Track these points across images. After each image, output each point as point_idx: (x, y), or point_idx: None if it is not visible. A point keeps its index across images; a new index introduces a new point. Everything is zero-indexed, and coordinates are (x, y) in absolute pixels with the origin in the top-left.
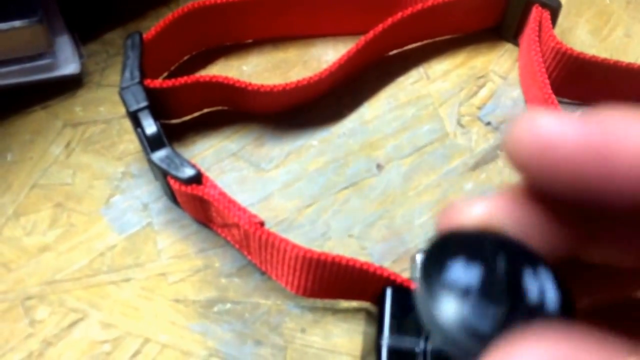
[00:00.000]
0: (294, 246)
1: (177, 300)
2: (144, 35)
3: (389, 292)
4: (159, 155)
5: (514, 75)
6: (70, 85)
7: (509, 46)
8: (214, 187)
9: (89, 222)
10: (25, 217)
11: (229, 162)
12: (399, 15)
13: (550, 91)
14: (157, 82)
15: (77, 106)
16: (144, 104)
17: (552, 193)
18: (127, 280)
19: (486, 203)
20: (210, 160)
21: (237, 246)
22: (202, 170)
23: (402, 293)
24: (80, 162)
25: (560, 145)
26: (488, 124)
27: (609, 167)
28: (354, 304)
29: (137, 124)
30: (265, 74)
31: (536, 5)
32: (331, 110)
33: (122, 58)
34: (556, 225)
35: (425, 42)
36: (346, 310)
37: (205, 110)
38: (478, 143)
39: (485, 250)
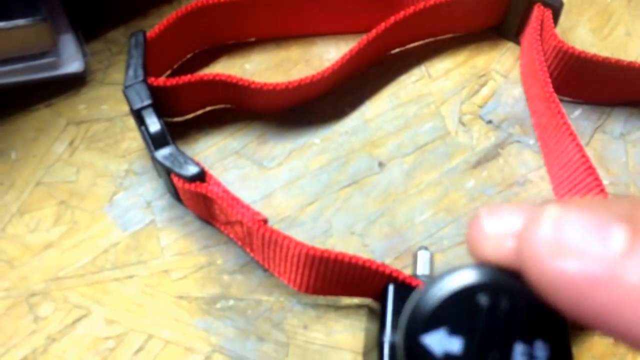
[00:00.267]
0: (297, 243)
1: (180, 297)
2: (148, 34)
3: (391, 289)
4: (162, 153)
5: (516, 73)
6: (73, 84)
7: (510, 45)
8: (218, 184)
9: (92, 220)
10: (29, 215)
11: (231, 160)
12: (401, 14)
13: (551, 90)
14: (161, 81)
15: (80, 104)
16: (147, 102)
17: None
18: (131, 277)
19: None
20: (213, 158)
21: (240, 243)
22: (206, 168)
23: (404, 290)
24: (84, 160)
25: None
26: (489, 122)
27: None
28: (356, 300)
29: (141, 122)
30: (267, 73)
31: (538, 4)
32: (333, 108)
33: (125, 56)
34: None
35: (427, 40)
36: (348, 307)
37: (208, 109)
38: (479, 141)
39: (488, 303)
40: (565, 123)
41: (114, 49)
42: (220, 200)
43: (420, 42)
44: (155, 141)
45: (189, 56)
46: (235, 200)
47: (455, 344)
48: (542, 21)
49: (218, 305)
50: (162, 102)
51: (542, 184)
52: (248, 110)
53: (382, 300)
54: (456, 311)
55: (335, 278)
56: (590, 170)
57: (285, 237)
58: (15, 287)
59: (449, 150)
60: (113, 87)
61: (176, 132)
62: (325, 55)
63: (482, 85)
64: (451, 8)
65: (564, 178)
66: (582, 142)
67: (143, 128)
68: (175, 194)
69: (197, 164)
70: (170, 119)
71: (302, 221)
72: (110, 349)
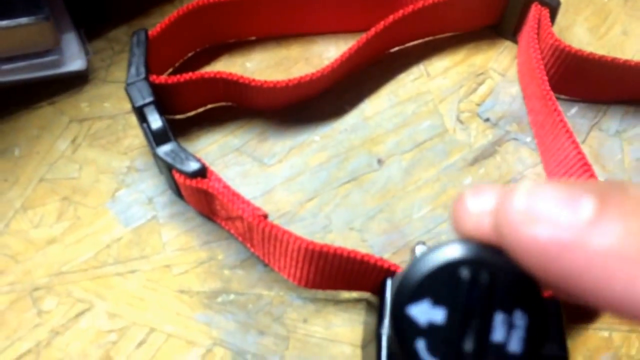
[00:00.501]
0: (297, 238)
1: (181, 291)
2: (149, 32)
3: (389, 283)
4: (164, 149)
5: (513, 72)
6: (76, 82)
7: (508, 44)
8: (219, 180)
9: (95, 215)
10: (32, 211)
11: (232, 157)
12: (400, 12)
13: (548, 88)
14: (162, 78)
15: (83, 102)
16: (149, 99)
17: None
18: (133, 271)
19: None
20: (214, 155)
21: (240, 239)
22: (207, 164)
23: None
24: (86, 157)
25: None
26: (487, 120)
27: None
28: (355, 294)
29: (142, 119)
30: (268, 71)
31: (535, 3)
32: (333, 106)
33: (127, 55)
34: None
35: (425, 39)
36: (347, 301)
37: (210, 106)
38: (477, 139)
39: (470, 276)
40: (561, 121)
41: (116, 48)
42: (221, 195)
43: (419, 41)
44: (157, 138)
45: (190, 54)
46: (235, 195)
47: (438, 314)
48: (539, 20)
49: (219, 300)
50: (163, 100)
51: (538, 181)
52: (249, 108)
53: (380, 293)
54: (440, 284)
55: (334, 272)
56: (586, 167)
57: (285, 232)
58: (19, 282)
59: (447, 148)
60: (115, 85)
61: (178, 129)
62: (325, 53)
63: (480, 84)
64: (449, 7)
65: (560, 175)
66: (579, 140)
67: (145, 125)
68: (177, 191)
69: (198, 160)
70: (172, 117)
71: (302, 217)
72: (113, 342)
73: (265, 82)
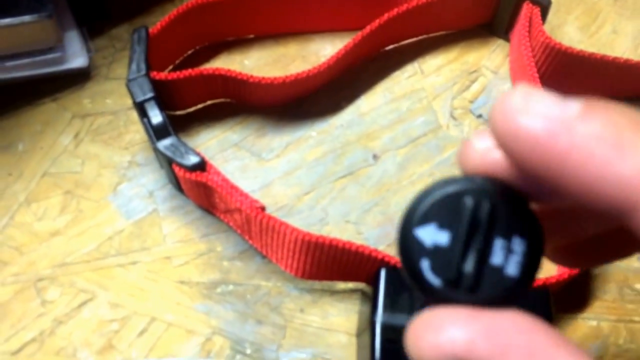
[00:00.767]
0: (293, 229)
1: (181, 282)
2: (150, 30)
3: (383, 273)
4: (164, 143)
5: (505, 70)
6: (78, 78)
7: (500, 42)
8: (217, 174)
9: (97, 209)
10: (36, 204)
11: (231, 152)
12: (395, 11)
13: (539, 84)
14: (163, 75)
15: (85, 98)
16: (150, 95)
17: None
18: (134, 263)
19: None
20: (214, 150)
21: (238, 231)
22: (206, 158)
23: (396, 273)
24: (89, 152)
25: (523, 136)
26: (479, 116)
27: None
28: (350, 285)
29: (143, 114)
30: (266, 68)
31: (527, 2)
32: (329, 102)
33: (128, 52)
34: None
35: (420, 38)
36: (343, 291)
37: (209, 103)
38: (470, 135)
39: (473, 205)
40: None
41: (117, 46)
42: (220, 188)
43: (413, 40)
44: (157, 132)
45: (190, 52)
46: (234, 188)
47: (443, 237)
48: (530, 18)
49: (218, 290)
50: (164, 96)
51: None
52: (247, 105)
53: (375, 283)
54: (445, 210)
55: (330, 263)
56: None
57: (282, 224)
58: (24, 273)
59: (441, 143)
60: (117, 82)
61: (178, 125)
62: (321, 51)
63: (473, 81)
64: (443, 6)
65: None
66: None
67: (145, 120)
68: (177, 184)
69: (197, 154)
70: (172, 113)
71: (299, 210)
72: (115, 331)
73: (263, 78)
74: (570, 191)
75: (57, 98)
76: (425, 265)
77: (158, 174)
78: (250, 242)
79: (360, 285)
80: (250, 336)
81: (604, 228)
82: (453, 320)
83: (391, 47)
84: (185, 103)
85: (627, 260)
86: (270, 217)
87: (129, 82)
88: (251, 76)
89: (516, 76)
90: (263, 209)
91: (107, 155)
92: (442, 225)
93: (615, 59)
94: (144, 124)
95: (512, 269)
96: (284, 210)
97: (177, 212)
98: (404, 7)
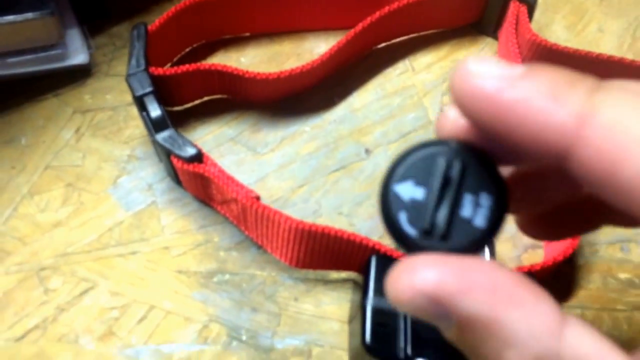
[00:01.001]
0: (287, 218)
1: (179, 272)
2: (149, 27)
3: (373, 260)
4: (163, 135)
5: None
6: (79, 75)
7: (489, 40)
8: (214, 165)
9: (98, 201)
10: (39, 196)
11: (227, 147)
12: (386, 10)
13: None
14: (161, 70)
15: (86, 94)
16: (149, 89)
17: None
18: (134, 253)
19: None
20: (210, 145)
21: (235, 222)
22: (203, 150)
23: (386, 260)
24: (90, 146)
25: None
26: None
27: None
28: (343, 274)
29: (142, 107)
30: (261, 66)
31: (514, 1)
32: (323, 98)
33: (128, 49)
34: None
35: (411, 36)
36: (335, 281)
37: (206, 99)
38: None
39: (445, 165)
40: None
41: (117, 43)
42: (217, 179)
43: (405, 38)
44: (156, 125)
45: (187, 50)
46: (230, 179)
47: (419, 192)
48: (517, 16)
49: (215, 279)
50: (162, 92)
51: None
52: (243, 100)
53: (366, 270)
54: (421, 169)
55: (322, 251)
56: None
57: (276, 213)
58: (27, 262)
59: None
60: (117, 78)
61: (175, 120)
62: (315, 49)
63: None
64: (433, 5)
65: None
66: None
67: (144, 114)
68: (175, 177)
69: (194, 145)
70: (170, 109)
71: (294, 202)
72: (115, 318)
73: (259, 74)
74: (519, 142)
75: (58, 94)
76: (402, 217)
77: (157, 168)
78: (246, 232)
79: (352, 275)
80: (246, 323)
81: (568, 196)
82: (426, 264)
83: (383, 45)
84: (182, 98)
85: (611, 251)
86: (265, 207)
87: (128, 77)
88: (247, 72)
89: None
90: (258, 198)
91: (107, 149)
92: (418, 182)
93: (599, 55)
94: (143, 117)
95: (480, 220)
96: (279, 202)
97: (175, 204)
98: (395, 5)
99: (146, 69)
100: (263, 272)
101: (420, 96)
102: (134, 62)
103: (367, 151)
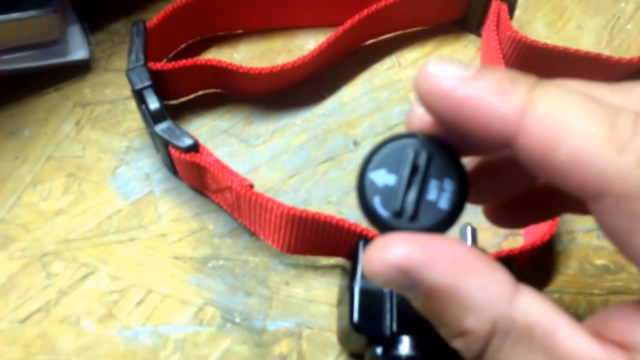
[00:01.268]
0: (279, 204)
1: (176, 257)
2: (147, 24)
3: (361, 245)
4: (161, 127)
5: (477, 63)
6: (79, 70)
7: (472, 37)
8: (210, 155)
9: (97, 190)
10: (41, 185)
11: (221, 139)
12: (373, 7)
13: None
14: (159, 65)
15: (86, 88)
16: (148, 83)
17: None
18: (132, 239)
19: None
20: (205, 137)
21: (228, 210)
22: (199, 140)
23: None
24: (89, 138)
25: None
26: None
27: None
28: (332, 261)
29: (141, 100)
30: (253, 61)
31: None
32: (313, 93)
33: (126, 46)
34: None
35: (397, 33)
36: (325, 267)
37: (200, 93)
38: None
39: (413, 155)
40: None
41: (115, 40)
42: (212, 168)
43: (392, 34)
44: (155, 117)
45: (183, 46)
46: (225, 167)
47: (390, 179)
48: (498, 14)
49: (209, 265)
50: (159, 85)
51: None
52: (236, 94)
53: (354, 255)
54: (393, 159)
55: (313, 237)
56: None
57: (269, 199)
58: (30, 248)
59: None
60: (115, 73)
61: (171, 114)
62: (305, 45)
63: None
64: (419, 3)
65: None
66: None
67: (143, 106)
68: (171, 168)
69: (191, 136)
70: (166, 102)
71: (285, 192)
72: (115, 301)
73: (252, 68)
74: (473, 132)
75: (59, 88)
76: (376, 200)
77: (153, 159)
78: (240, 220)
79: (341, 261)
80: (239, 306)
81: (526, 186)
82: (396, 241)
83: (371, 41)
84: (178, 92)
85: (588, 239)
86: (258, 194)
87: (128, 72)
88: (240, 66)
89: None
90: (252, 186)
91: (107, 141)
92: (390, 170)
93: (576, 51)
94: (141, 110)
95: (444, 203)
96: (270, 192)
97: (171, 193)
98: (382, 4)
99: (145, 64)
100: (255, 258)
101: (406, 90)
102: (133, 57)
103: (355, 143)
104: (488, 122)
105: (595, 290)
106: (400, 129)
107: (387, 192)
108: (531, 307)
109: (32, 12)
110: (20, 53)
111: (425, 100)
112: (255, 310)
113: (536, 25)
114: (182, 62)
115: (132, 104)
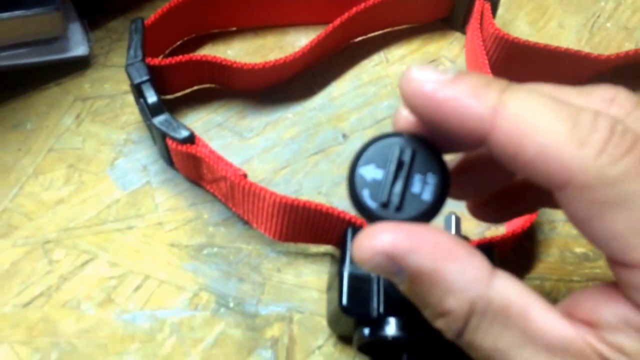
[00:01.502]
0: (272, 193)
1: (172, 245)
2: (145, 22)
3: (349, 231)
4: (159, 119)
5: (462, 59)
6: (79, 65)
7: (457, 35)
8: (205, 146)
9: (97, 181)
10: (43, 176)
11: (215, 132)
12: (362, 6)
13: (489, 71)
14: (157, 60)
15: (85, 83)
16: (146, 77)
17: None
18: (130, 228)
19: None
20: (200, 130)
21: (223, 200)
22: (195, 132)
23: None
24: (89, 131)
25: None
26: None
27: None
28: (321, 249)
29: (140, 94)
30: (246, 57)
31: None
32: (304, 88)
33: (123, 43)
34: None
35: (385, 30)
36: (315, 255)
37: (196, 88)
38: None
39: (399, 152)
40: None
41: (113, 37)
42: (208, 158)
43: (380, 32)
44: (153, 110)
45: (178, 43)
46: (220, 158)
47: (378, 173)
48: (482, 12)
49: (204, 252)
50: (156, 80)
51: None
52: (230, 89)
53: (342, 241)
54: (381, 155)
55: (304, 224)
56: None
57: (262, 189)
58: (33, 236)
59: None
60: (114, 69)
61: (168, 108)
62: (296, 42)
63: None
64: (406, 2)
65: None
66: None
67: (142, 100)
68: (168, 159)
69: (187, 128)
70: (162, 97)
71: (276, 183)
72: (114, 286)
73: (245, 64)
74: (451, 130)
75: (60, 83)
76: (365, 193)
77: (150, 151)
78: (233, 209)
79: (330, 249)
80: (233, 292)
81: (504, 182)
82: (383, 229)
83: (359, 38)
84: (175, 87)
85: (568, 228)
86: (252, 183)
87: (127, 67)
88: (235, 62)
89: (471, 64)
90: (245, 176)
91: (105, 134)
92: (378, 166)
93: (556, 47)
94: (140, 103)
95: (427, 195)
96: (263, 183)
97: (167, 184)
98: (371, 2)
99: (143, 60)
100: (249, 245)
101: (393, 86)
102: (132, 53)
103: (344, 136)
104: (465, 121)
105: (575, 277)
106: (388, 122)
107: (375, 186)
108: (506, 289)
109: (35, 10)
110: (23, 49)
111: (409, 102)
112: (248, 295)
113: (519, 23)
114: (179, 58)
115: (130, 98)
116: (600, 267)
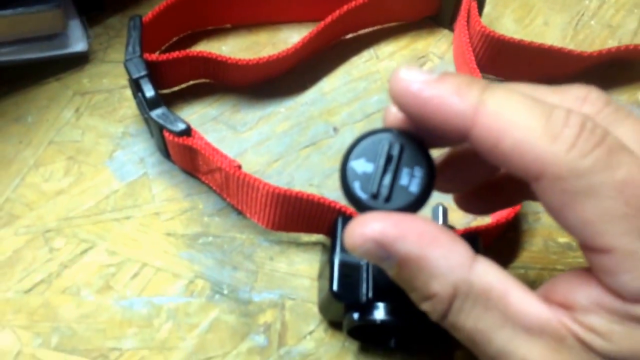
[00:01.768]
0: (265, 184)
1: (168, 234)
2: (143, 19)
3: (340, 220)
4: (156, 112)
5: (449, 56)
6: (79, 61)
7: (445, 32)
8: (201, 138)
9: (95, 172)
10: (43, 167)
11: (210, 125)
12: (353, 4)
13: (476, 68)
14: (154, 56)
15: (84, 78)
16: (144, 72)
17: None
18: (128, 218)
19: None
20: (195, 124)
21: (217, 190)
22: (192, 125)
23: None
24: (88, 124)
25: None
26: None
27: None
28: (313, 238)
29: (138, 89)
30: (240, 54)
31: None
32: (296, 83)
33: (121, 39)
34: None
35: (375, 27)
36: (306, 244)
37: (191, 82)
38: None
39: (388, 146)
40: None
41: (111, 33)
42: (203, 150)
43: (370, 29)
44: (150, 104)
45: (174, 39)
46: (215, 150)
47: (369, 167)
48: (469, 10)
49: (200, 241)
50: (154, 75)
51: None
52: (224, 84)
53: (333, 229)
54: (371, 150)
55: (296, 214)
56: None
57: (255, 179)
58: (34, 225)
59: None
60: (112, 64)
61: (164, 102)
62: (289, 39)
63: (422, 65)
64: (395, 0)
65: None
66: None
67: (140, 94)
68: (164, 151)
69: (184, 121)
70: (160, 91)
71: (269, 175)
72: (112, 274)
73: (240, 60)
74: (436, 126)
75: (60, 78)
76: (356, 185)
77: (148, 143)
78: (228, 199)
79: (321, 238)
80: (227, 279)
81: (488, 176)
82: (373, 218)
83: (350, 35)
84: (171, 82)
85: (552, 219)
86: (246, 174)
87: (126, 62)
88: (229, 58)
89: (458, 61)
90: (240, 167)
91: (104, 127)
92: (369, 159)
93: (540, 44)
94: (138, 98)
95: (414, 187)
96: (256, 175)
97: (164, 175)
98: (361, 0)
99: (141, 55)
100: (242, 235)
101: (383, 81)
102: (130, 49)
103: (335, 130)
104: (448, 118)
105: (558, 266)
106: (377, 117)
107: (365, 178)
108: (487, 273)
109: (36, 8)
110: (24, 45)
111: (397, 100)
112: (242, 283)
113: (505, 20)
114: (175, 54)
115: (128, 92)
116: (583, 255)
